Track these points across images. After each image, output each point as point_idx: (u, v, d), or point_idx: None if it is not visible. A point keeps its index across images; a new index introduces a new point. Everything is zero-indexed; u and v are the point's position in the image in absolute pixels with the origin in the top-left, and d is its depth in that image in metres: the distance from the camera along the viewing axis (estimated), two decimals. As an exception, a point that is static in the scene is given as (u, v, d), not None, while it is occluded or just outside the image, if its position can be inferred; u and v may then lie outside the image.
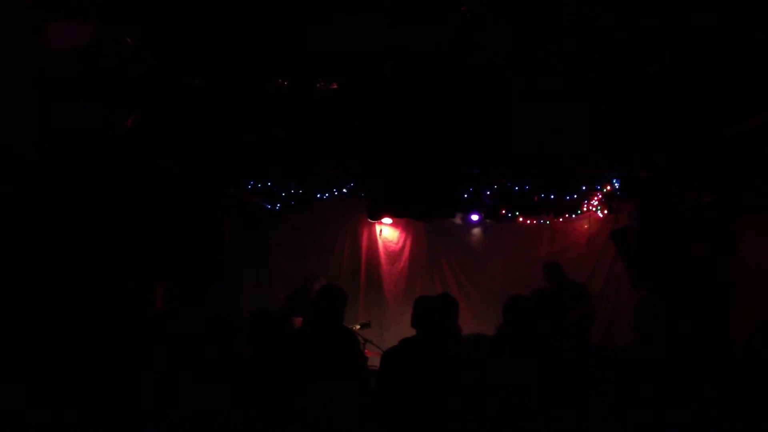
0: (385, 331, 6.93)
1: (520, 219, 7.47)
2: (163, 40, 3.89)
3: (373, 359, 5.13)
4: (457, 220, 7.62)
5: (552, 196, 7.20)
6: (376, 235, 7.71)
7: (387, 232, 7.74)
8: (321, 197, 7.35)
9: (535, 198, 7.25)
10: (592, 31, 4.14)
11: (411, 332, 4.13)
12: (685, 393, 4.96)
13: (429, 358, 3.79)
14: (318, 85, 4.87)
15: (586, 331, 6.25)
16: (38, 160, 2.35)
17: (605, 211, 7.07)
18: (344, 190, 7.35)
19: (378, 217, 7.41)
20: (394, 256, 7.74)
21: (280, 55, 4.52)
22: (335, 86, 4.76)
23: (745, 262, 5.62)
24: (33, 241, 3.43)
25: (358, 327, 6.04)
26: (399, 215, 7.44)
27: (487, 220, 7.55)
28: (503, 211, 7.40)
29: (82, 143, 3.57)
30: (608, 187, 6.85)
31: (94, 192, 4.07)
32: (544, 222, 7.48)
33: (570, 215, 7.40)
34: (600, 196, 7.04)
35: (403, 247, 7.75)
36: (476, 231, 7.74)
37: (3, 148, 2.24)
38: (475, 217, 7.49)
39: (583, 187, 7.05)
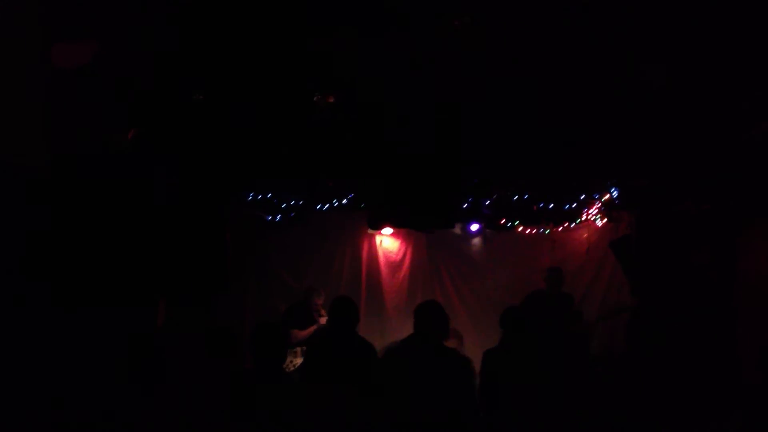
0: (386, 341, 6.91)
1: (520, 228, 7.47)
2: (167, 55, 3.94)
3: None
4: (457, 230, 7.63)
5: (551, 206, 7.21)
6: (376, 246, 7.70)
7: (387, 242, 7.75)
8: (321, 208, 7.35)
9: (534, 207, 7.26)
10: (591, 39, 4.17)
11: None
12: (686, 402, 4.96)
13: (428, 361, 3.83)
14: (315, 98, 4.90)
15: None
16: (49, 176, 2.39)
17: (604, 220, 7.09)
18: (344, 201, 7.35)
19: (378, 228, 7.43)
20: (395, 266, 7.75)
21: (278, 67, 4.56)
22: (332, 100, 4.79)
23: (746, 269, 5.63)
24: (40, 251, 3.46)
25: None
26: (399, 225, 7.46)
27: (487, 230, 7.57)
28: (503, 221, 7.41)
29: (87, 158, 3.60)
30: (607, 196, 6.87)
31: (99, 204, 4.10)
32: (544, 231, 7.48)
33: (569, 224, 7.40)
34: (599, 205, 7.05)
35: (404, 257, 7.76)
36: (476, 241, 7.77)
37: (16, 165, 2.28)
38: (474, 227, 7.51)
39: (582, 196, 7.06)
